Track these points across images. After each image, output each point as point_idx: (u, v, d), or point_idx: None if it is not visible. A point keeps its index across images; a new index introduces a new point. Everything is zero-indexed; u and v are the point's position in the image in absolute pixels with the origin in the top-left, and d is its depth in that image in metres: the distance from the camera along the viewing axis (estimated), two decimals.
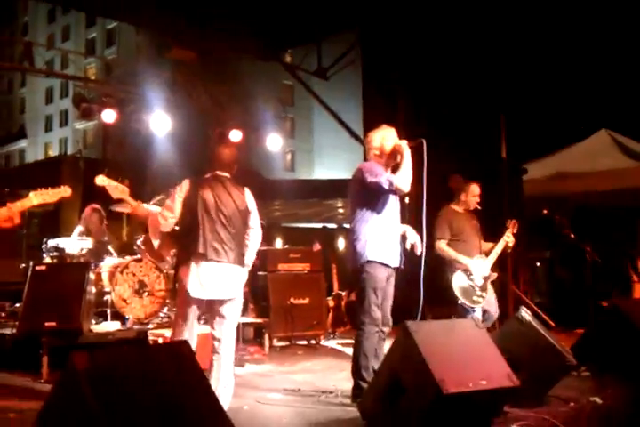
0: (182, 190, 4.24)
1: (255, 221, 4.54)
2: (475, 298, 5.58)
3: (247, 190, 4.51)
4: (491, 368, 3.64)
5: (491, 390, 3.52)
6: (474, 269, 5.62)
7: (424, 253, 4.58)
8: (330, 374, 5.09)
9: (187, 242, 4.22)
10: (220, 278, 4.15)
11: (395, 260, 4.50)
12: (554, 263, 9.81)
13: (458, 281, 5.61)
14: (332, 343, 7.51)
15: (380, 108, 11.09)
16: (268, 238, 9.09)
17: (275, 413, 4.22)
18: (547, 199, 9.73)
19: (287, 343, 7.27)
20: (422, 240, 4.58)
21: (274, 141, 10.60)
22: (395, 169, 4.48)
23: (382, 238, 4.44)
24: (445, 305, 8.96)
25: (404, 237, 4.60)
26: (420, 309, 4.43)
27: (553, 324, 8.22)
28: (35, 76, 9.40)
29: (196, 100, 10.05)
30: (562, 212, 8.70)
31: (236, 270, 4.28)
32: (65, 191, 4.55)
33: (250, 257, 4.48)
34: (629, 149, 9.51)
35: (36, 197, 4.43)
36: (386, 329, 4.52)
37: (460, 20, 9.40)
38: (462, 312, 5.56)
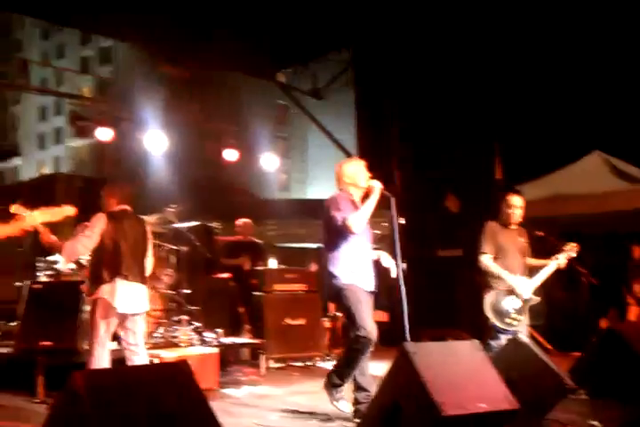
0: (101, 223, 4.87)
1: (150, 250, 5.24)
2: (507, 320, 5.31)
3: (145, 222, 5.32)
4: (490, 391, 3.63)
5: (490, 413, 3.51)
6: (520, 289, 5.35)
7: (401, 278, 4.61)
8: (326, 396, 5.06)
9: (109, 266, 4.80)
10: (137, 295, 4.89)
11: (369, 284, 4.63)
12: (550, 286, 9.81)
13: (491, 300, 5.38)
14: (329, 365, 7.44)
15: (374, 129, 11.16)
16: (262, 258, 9.07)
17: None
18: (540, 221, 9.77)
19: (283, 365, 7.23)
20: (397, 267, 4.68)
21: (269, 161, 10.62)
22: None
23: (355, 263, 4.59)
24: (441, 326, 8.98)
25: (377, 263, 4.72)
26: (407, 331, 4.47)
27: (550, 347, 8.21)
28: (29, 94, 9.42)
29: (192, 118, 10.08)
30: (557, 234, 8.74)
31: (144, 289, 5.02)
32: (69, 211, 4.57)
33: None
34: (621, 171, 9.58)
35: (40, 216, 4.44)
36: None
37: (454, 43, 9.50)
38: (494, 334, 5.32)
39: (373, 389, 4.41)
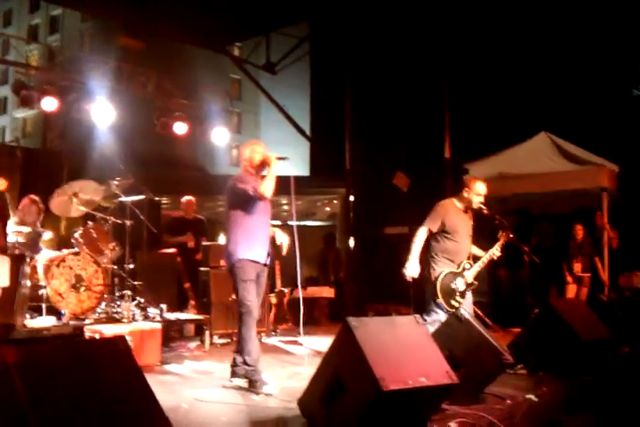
0: None
1: None
2: (452, 302, 5.39)
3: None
4: (430, 366, 3.67)
5: (430, 388, 3.55)
6: (411, 270, 5.39)
7: (283, 253, 5.16)
8: (271, 371, 5.05)
9: None
10: None
11: (262, 257, 5.00)
12: (493, 263, 9.98)
13: (444, 280, 5.41)
14: (274, 340, 7.48)
15: (327, 105, 11.12)
16: (211, 234, 8.99)
17: (214, 411, 4.16)
18: (487, 200, 9.89)
19: (228, 340, 7.19)
20: (294, 243, 5.10)
21: (220, 135, 10.46)
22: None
23: (252, 239, 4.96)
24: (385, 303, 9.07)
25: (272, 238, 5.15)
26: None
27: (491, 323, 8.37)
28: None
29: (142, 90, 9.86)
30: (502, 212, 8.87)
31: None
32: (0, 184, 4.40)
33: None
34: (567, 152, 9.74)
35: None
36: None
37: (410, 14, 9.47)
38: (434, 310, 5.40)
39: (254, 355, 4.79)
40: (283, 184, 4.97)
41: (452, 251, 5.52)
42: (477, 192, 5.60)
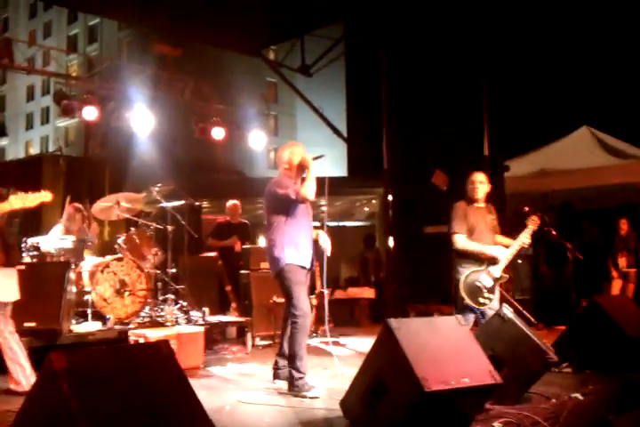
0: None
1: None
2: (481, 300, 5.29)
3: None
4: (473, 366, 3.65)
5: (473, 388, 3.52)
6: (499, 257, 5.29)
7: (327, 255, 5.09)
8: (313, 373, 5.06)
9: None
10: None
11: (308, 262, 4.93)
12: (536, 260, 9.85)
13: (464, 280, 5.33)
14: (315, 342, 7.48)
15: (364, 105, 11.10)
16: (250, 239, 9.05)
17: (257, 412, 4.19)
18: (528, 196, 9.79)
19: (270, 342, 7.23)
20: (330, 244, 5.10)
21: (257, 139, 10.55)
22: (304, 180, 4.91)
23: (296, 244, 4.88)
24: (427, 303, 9.01)
25: (315, 241, 5.08)
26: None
27: (535, 321, 8.26)
28: (15, 73, 9.30)
29: (179, 96, 9.99)
30: (544, 209, 8.74)
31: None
32: (45, 196, 4.51)
33: None
34: (609, 146, 9.59)
35: (16, 201, 4.40)
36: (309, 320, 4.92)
37: (446, 9, 9.39)
38: (465, 312, 5.26)
39: (306, 360, 4.73)
40: (319, 185, 4.94)
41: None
42: (479, 181, 5.57)
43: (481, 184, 5.56)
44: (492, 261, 5.32)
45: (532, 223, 5.44)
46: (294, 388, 4.65)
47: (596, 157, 9.53)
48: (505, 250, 5.36)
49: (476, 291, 5.31)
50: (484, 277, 5.33)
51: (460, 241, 5.42)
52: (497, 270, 5.34)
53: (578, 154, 9.60)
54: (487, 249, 5.34)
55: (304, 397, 4.54)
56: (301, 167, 4.96)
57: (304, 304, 4.77)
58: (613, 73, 10.42)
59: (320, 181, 4.93)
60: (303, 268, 4.87)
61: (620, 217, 9.08)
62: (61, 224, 7.06)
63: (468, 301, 5.30)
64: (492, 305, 5.25)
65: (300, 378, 4.66)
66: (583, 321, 5.49)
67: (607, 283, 9.00)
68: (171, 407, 2.87)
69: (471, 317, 5.31)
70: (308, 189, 4.77)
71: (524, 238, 5.39)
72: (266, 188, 5.01)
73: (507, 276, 5.40)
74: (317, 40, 11.94)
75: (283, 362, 4.88)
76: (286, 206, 4.87)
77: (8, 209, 4.42)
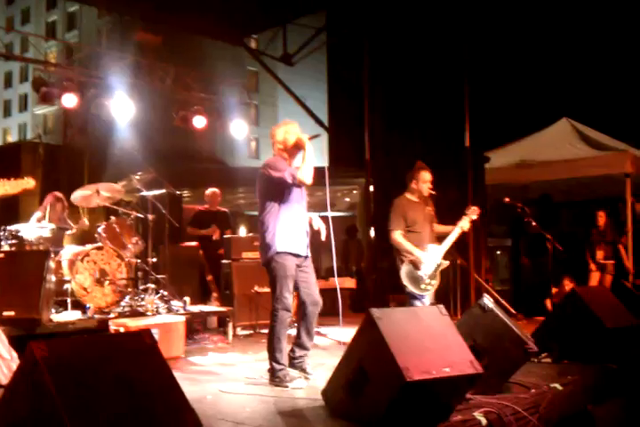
0: None
1: None
2: (422, 286, 5.66)
3: None
4: (454, 355, 3.66)
5: (454, 378, 3.54)
6: (425, 261, 5.67)
7: (332, 240, 4.82)
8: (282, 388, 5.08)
9: None
10: None
11: (302, 249, 4.73)
12: (515, 251, 9.93)
13: (406, 269, 5.69)
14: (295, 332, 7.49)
15: (345, 95, 11.07)
16: (230, 227, 9.02)
17: (238, 402, 4.19)
18: (509, 188, 9.85)
19: (251, 332, 7.23)
20: (328, 228, 4.88)
21: (238, 128, 10.49)
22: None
23: (290, 230, 4.67)
24: (406, 293, 9.03)
25: (310, 226, 4.88)
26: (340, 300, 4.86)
27: (514, 311, 8.33)
28: None
29: (160, 84, 9.90)
30: (524, 200, 8.80)
31: None
32: (28, 183, 4.46)
33: None
34: (589, 138, 9.66)
35: None
36: (317, 309, 4.76)
37: (429, 4, 9.37)
38: (411, 300, 5.69)
39: (285, 352, 4.67)
40: (319, 176, 4.73)
41: (416, 240, 5.76)
42: (424, 180, 5.86)
43: (428, 183, 5.88)
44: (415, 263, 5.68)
45: (472, 213, 5.80)
46: (275, 379, 4.61)
47: (576, 149, 9.60)
48: (434, 250, 5.72)
49: (417, 279, 5.67)
50: (424, 265, 5.67)
51: (396, 238, 5.77)
52: (437, 257, 5.70)
53: (558, 145, 9.67)
54: (415, 251, 5.68)
55: (286, 387, 4.51)
56: (297, 147, 4.71)
57: (286, 299, 4.64)
58: (594, 65, 10.49)
59: (320, 172, 4.72)
60: (296, 255, 4.68)
61: (597, 209, 9.17)
62: (40, 212, 6.99)
63: (410, 288, 5.65)
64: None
65: (281, 369, 4.62)
66: (563, 312, 5.55)
67: (581, 274, 9.10)
68: (154, 397, 2.86)
69: (418, 303, 5.62)
70: (305, 173, 4.54)
71: (464, 225, 5.76)
72: (259, 170, 4.75)
73: (447, 262, 5.77)
74: (300, 29, 11.88)
75: (300, 352, 4.77)
76: (280, 190, 4.65)
77: None
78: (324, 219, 4.98)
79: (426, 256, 5.69)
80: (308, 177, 4.55)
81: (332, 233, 4.86)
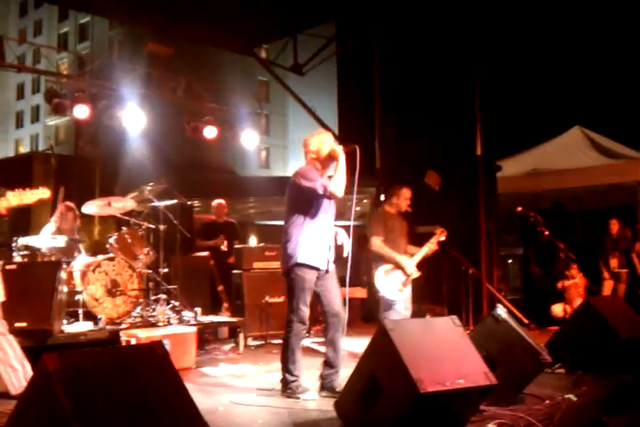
0: None
1: None
2: (397, 291, 5.95)
3: None
4: (468, 367, 3.63)
5: (468, 389, 3.51)
6: (406, 266, 5.96)
7: (344, 255, 4.76)
8: (305, 374, 5.04)
9: None
10: None
11: (323, 263, 4.64)
12: (528, 260, 9.88)
13: (381, 275, 5.96)
14: (307, 342, 7.45)
15: (356, 105, 11.07)
16: (242, 237, 9.02)
17: (250, 413, 4.17)
18: (520, 196, 9.81)
19: (262, 342, 7.22)
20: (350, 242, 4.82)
21: (249, 138, 10.52)
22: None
23: (313, 242, 4.58)
24: (419, 303, 8.99)
25: (335, 240, 4.80)
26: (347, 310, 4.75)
27: (527, 321, 8.27)
28: (5, 72, 9.22)
29: (171, 95, 9.94)
30: (536, 209, 8.75)
31: None
32: (44, 193, 4.46)
33: None
34: (601, 146, 9.62)
35: (14, 198, 4.35)
36: (338, 320, 4.69)
37: (440, 8, 9.37)
38: (384, 306, 5.99)
39: (341, 366, 4.60)
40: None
41: (392, 249, 6.01)
42: (405, 197, 6.21)
43: (408, 200, 6.22)
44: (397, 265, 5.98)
45: (440, 234, 6.16)
46: (288, 390, 4.56)
47: (588, 157, 9.55)
48: (410, 260, 6.03)
49: (391, 285, 5.95)
50: (398, 273, 5.97)
51: (377, 244, 6.02)
52: (410, 267, 5.99)
53: (570, 154, 9.63)
54: (397, 256, 5.98)
55: (297, 399, 4.46)
56: (330, 158, 4.60)
57: (302, 312, 4.55)
58: (606, 73, 10.45)
59: (352, 152, 4.57)
60: (315, 269, 4.58)
61: (610, 217, 9.11)
62: (53, 223, 7.01)
63: (384, 293, 5.95)
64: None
65: (294, 381, 4.57)
66: (577, 322, 5.50)
67: (595, 283, 9.04)
68: (166, 409, 2.84)
69: (391, 309, 5.93)
70: (338, 185, 4.42)
71: (431, 245, 6.13)
72: (291, 178, 4.63)
73: (418, 273, 6.06)
74: (310, 39, 11.91)
75: (327, 371, 4.63)
76: (310, 201, 4.54)
77: (6, 206, 4.38)
78: (346, 229, 4.89)
79: (407, 261, 5.96)
80: (339, 189, 4.45)
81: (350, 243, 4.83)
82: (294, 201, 4.62)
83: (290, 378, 4.57)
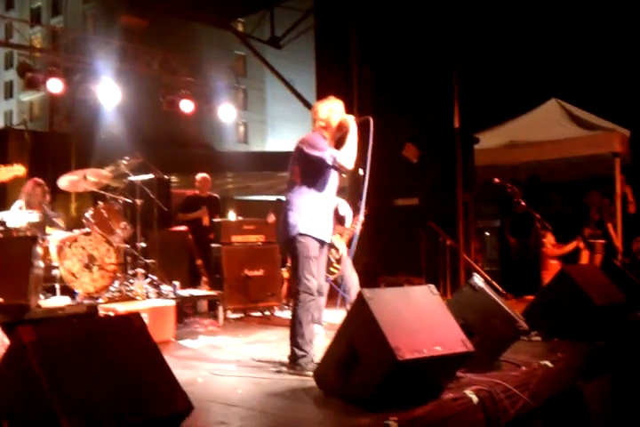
0: None
1: None
2: (331, 269, 6.18)
3: None
4: (445, 334, 3.66)
5: (445, 356, 3.54)
6: (338, 247, 6.25)
7: (358, 225, 4.92)
8: (284, 345, 5.04)
9: None
10: None
11: (326, 235, 4.49)
12: (504, 232, 9.96)
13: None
14: (287, 314, 7.48)
15: (334, 78, 11.00)
16: (221, 211, 8.98)
17: (229, 384, 4.18)
18: (498, 168, 9.85)
19: (241, 315, 7.25)
20: (359, 213, 4.83)
21: (226, 113, 10.44)
22: (339, 143, 4.37)
23: (317, 213, 4.40)
24: (397, 274, 9.08)
25: (336, 211, 4.75)
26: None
27: (504, 291, 8.36)
28: None
29: (147, 69, 9.81)
30: (513, 180, 8.81)
31: None
32: (18, 170, 4.40)
33: None
34: (579, 118, 9.64)
35: None
36: (321, 297, 4.67)
37: None
38: None
39: (308, 337, 4.43)
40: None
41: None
42: None
43: None
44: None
45: (356, 222, 6.10)
46: (296, 367, 4.33)
47: (565, 129, 9.58)
48: (338, 240, 6.31)
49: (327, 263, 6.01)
50: (333, 252, 6.19)
51: None
52: (341, 246, 6.30)
53: (546, 126, 9.65)
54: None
55: (307, 375, 4.17)
56: (340, 128, 4.37)
57: (308, 281, 4.31)
58: (583, 45, 10.45)
59: (365, 123, 4.34)
60: (319, 241, 4.41)
61: (588, 189, 9.18)
62: (21, 200, 6.92)
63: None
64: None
65: (303, 356, 4.33)
66: (553, 290, 5.56)
67: (572, 254, 9.12)
68: (144, 380, 2.84)
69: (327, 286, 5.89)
70: (348, 157, 4.18)
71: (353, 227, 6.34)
72: (296, 144, 4.42)
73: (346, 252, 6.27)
74: (287, 12, 11.77)
75: (299, 351, 4.40)
76: (316, 171, 4.32)
77: None
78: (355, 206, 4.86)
79: (338, 242, 6.22)
80: (349, 162, 4.20)
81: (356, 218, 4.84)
82: (299, 168, 4.40)
83: (299, 353, 4.35)
